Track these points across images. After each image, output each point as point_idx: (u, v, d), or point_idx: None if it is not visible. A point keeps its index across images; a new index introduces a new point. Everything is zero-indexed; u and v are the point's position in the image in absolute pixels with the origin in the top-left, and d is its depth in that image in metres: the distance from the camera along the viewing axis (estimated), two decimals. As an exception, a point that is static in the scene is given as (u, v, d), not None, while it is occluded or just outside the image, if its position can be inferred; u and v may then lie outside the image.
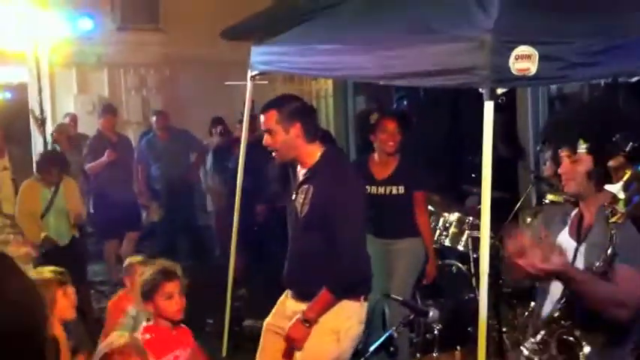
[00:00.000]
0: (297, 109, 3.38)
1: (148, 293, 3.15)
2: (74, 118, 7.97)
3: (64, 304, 3.39)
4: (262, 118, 3.40)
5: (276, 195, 5.57)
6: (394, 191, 4.77)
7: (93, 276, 7.00)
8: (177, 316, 3.18)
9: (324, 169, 3.33)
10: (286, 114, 3.33)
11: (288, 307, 3.49)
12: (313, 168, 3.35)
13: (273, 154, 3.44)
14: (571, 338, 2.39)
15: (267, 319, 3.61)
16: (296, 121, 3.31)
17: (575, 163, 2.48)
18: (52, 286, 3.31)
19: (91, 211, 6.96)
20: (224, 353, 5.31)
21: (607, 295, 2.34)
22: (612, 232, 2.28)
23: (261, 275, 6.27)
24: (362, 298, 3.39)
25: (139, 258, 4.18)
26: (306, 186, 3.36)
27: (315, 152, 3.37)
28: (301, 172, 3.41)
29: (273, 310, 3.61)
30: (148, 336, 3.10)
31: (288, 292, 3.55)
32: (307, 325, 3.28)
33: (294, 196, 3.42)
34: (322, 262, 3.27)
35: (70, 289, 3.46)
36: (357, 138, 8.78)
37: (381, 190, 4.76)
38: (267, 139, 3.38)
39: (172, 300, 3.15)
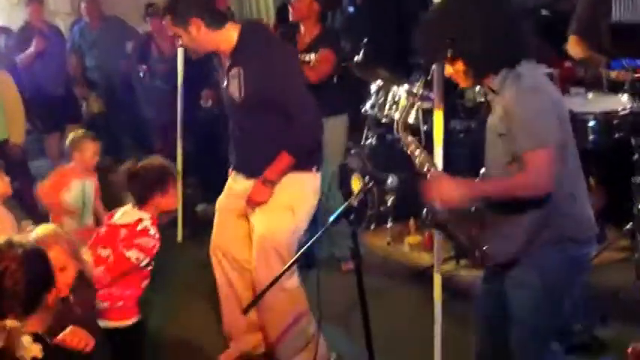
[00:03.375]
0: (188, 4, 3.20)
1: (164, 185, 3.10)
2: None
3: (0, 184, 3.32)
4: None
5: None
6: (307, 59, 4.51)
7: (36, 172, 6.82)
8: (174, 207, 3.26)
9: (247, 47, 3.22)
10: (179, 15, 3.20)
11: (239, 186, 3.45)
12: (235, 50, 3.25)
13: (191, 53, 3.52)
14: None
15: (220, 199, 3.59)
16: (192, 18, 3.18)
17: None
18: None
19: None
20: (179, 239, 5.32)
21: (514, 189, 2.43)
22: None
23: (211, 160, 6.20)
24: (314, 168, 3.38)
25: (87, 132, 4.13)
26: (234, 70, 3.25)
27: (230, 35, 3.24)
28: (226, 57, 3.32)
29: (224, 192, 3.58)
30: (155, 230, 3.08)
31: (236, 176, 3.51)
32: (269, 185, 3.28)
33: (225, 83, 3.33)
34: (272, 138, 3.22)
35: (5, 176, 3.37)
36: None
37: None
38: (177, 44, 3.47)
39: (175, 195, 3.20)
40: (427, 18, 2.65)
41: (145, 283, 3.15)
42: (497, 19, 2.48)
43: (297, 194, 3.34)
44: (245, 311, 2.75)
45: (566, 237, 2.51)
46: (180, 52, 5.08)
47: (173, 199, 3.18)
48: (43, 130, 6.77)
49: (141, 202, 3.10)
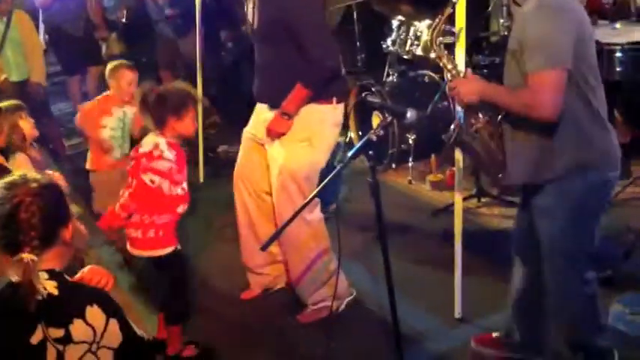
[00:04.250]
0: None
1: (179, 109, 3.07)
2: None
3: (26, 126, 3.34)
4: None
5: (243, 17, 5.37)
6: None
7: (59, 115, 6.86)
8: (193, 134, 3.25)
9: None
10: None
11: (263, 116, 3.43)
12: None
13: None
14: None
15: (247, 128, 3.58)
16: None
17: None
18: (9, 115, 3.28)
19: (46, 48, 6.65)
20: (201, 179, 5.34)
21: (521, 106, 2.42)
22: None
23: (233, 100, 6.17)
24: (334, 100, 3.33)
25: (124, 62, 4.14)
26: None
27: None
28: None
29: (250, 121, 3.57)
30: (173, 152, 3.08)
31: (261, 105, 3.48)
32: (286, 117, 3.26)
33: (246, 9, 3.30)
34: (290, 69, 3.18)
35: (29, 118, 3.39)
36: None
37: None
38: None
39: (194, 121, 3.17)
40: None
41: (181, 208, 3.14)
42: None
43: (315, 126, 3.31)
44: (264, 247, 2.75)
45: (585, 161, 2.47)
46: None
47: (190, 125, 3.13)
48: (64, 72, 6.76)
49: (158, 125, 3.10)
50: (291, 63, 3.17)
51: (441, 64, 2.77)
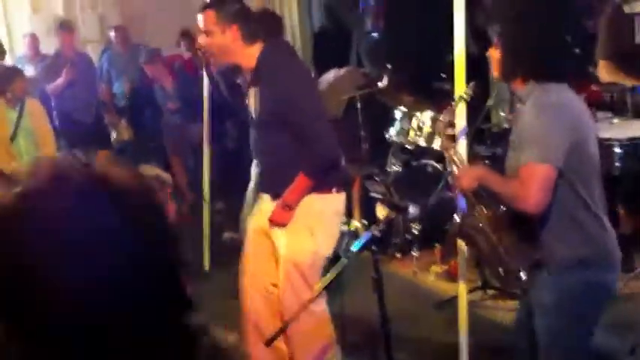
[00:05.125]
0: (236, 10, 3.25)
1: None
2: (34, 38, 7.65)
3: None
4: (199, 17, 3.28)
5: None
6: None
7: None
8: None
9: (266, 68, 3.24)
10: (224, 15, 3.22)
11: (266, 206, 3.47)
12: (255, 68, 3.28)
13: (210, 57, 3.42)
14: None
15: (249, 219, 3.63)
16: (234, 23, 3.21)
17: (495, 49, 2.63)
18: None
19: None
20: (206, 267, 5.34)
21: (509, 195, 2.49)
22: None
23: (238, 187, 6.23)
24: (334, 189, 3.37)
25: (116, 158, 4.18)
26: (253, 88, 3.31)
27: (254, 54, 3.27)
28: (247, 73, 3.36)
29: (253, 212, 3.61)
30: None
31: (264, 196, 3.54)
32: (288, 208, 3.30)
33: (247, 100, 3.39)
34: (290, 159, 3.24)
35: None
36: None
37: None
38: (202, 40, 3.30)
39: (170, 204, 3.19)
40: None
41: None
42: (549, 30, 2.53)
43: (316, 216, 3.35)
44: (268, 343, 2.74)
45: (583, 259, 2.49)
46: (205, 84, 5.11)
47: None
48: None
49: None
50: (292, 153, 3.23)
51: (447, 155, 2.84)
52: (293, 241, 3.34)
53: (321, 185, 3.31)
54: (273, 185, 3.40)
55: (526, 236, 2.57)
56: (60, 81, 6.58)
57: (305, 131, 3.20)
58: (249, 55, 3.26)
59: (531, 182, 2.38)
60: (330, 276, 2.63)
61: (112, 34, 7.39)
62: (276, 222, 3.35)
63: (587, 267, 2.50)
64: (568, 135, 2.43)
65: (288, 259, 3.35)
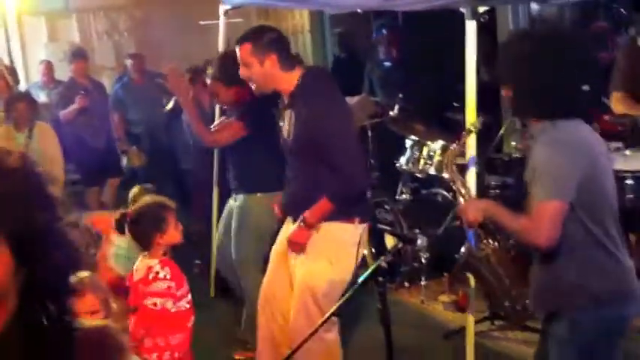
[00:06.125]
0: (272, 40, 3.33)
1: (160, 224, 3.08)
2: (49, 65, 7.75)
3: None
4: (237, 50, 3.36)
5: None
6: None
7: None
8: (180, 240, 3.18)
9: (303, 93, 3.29)
10: (261, 46, 3.29)
11: (288, 229, 3.47)
12: (292, 93, 3.32)
13: (252, 86, 3.41)
14: None
15: (275, 244, 3.60)
16: (271, 53, 3.28)
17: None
18: None
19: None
20: (212, 294, 5.31)
21: (518, 231, 2.49)
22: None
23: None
24: (356, 220, 3.36)
25: (147, 187, 4.25)
26: (288, 112, 3.35)
27: (294, 78, 3.32)
28: (285, 97, 3.40)
29: (279, 237, 3.60)
30: (167, 269, 3.06)
31: (289, 219, 3.53)
32: (306, 227, 3.30)
33: (281, 123, 3.42)
34: (317, 184, 3.26)
35: None
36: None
37: None
38: (243, 72, 3.37)
39: (177, 227, 3.15)
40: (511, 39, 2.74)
41: (190, 321, 3.13)
42: (559, 70, 2.49)
43: (335, 244, 3.34)
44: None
45: (594, 296, 2.45)
46: (217, 109, 5.11)
47: (174, 234, 3.13)
48: (83, 182, 6.90)
49: (145, 247, 3.11)
50: (320, 178, 3.25)
51: (454, 188, 2.82)
52: (311, 268, 3.33)
53: (344, 214, 3.31)
54: (297, 208, 3.39)
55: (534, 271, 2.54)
56: (72, 108, 6.64)
57: (335, 157, 3.21)
58: (288, 80, 3.32)
59: (542, 218, 2.38)
60: (335, 308, 2.60)
61: (129, 61, 7.46)
62: (294, 241, 3.34)
63: (600, 304, 2.46)
64: (578, 170, 2.41)
65: (304, 285, 3.34)
